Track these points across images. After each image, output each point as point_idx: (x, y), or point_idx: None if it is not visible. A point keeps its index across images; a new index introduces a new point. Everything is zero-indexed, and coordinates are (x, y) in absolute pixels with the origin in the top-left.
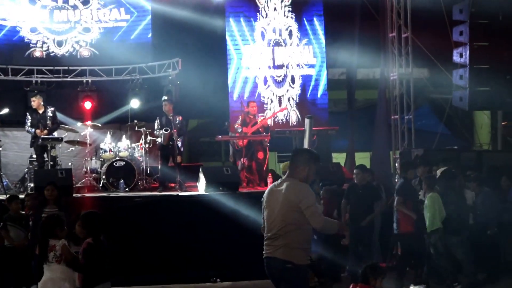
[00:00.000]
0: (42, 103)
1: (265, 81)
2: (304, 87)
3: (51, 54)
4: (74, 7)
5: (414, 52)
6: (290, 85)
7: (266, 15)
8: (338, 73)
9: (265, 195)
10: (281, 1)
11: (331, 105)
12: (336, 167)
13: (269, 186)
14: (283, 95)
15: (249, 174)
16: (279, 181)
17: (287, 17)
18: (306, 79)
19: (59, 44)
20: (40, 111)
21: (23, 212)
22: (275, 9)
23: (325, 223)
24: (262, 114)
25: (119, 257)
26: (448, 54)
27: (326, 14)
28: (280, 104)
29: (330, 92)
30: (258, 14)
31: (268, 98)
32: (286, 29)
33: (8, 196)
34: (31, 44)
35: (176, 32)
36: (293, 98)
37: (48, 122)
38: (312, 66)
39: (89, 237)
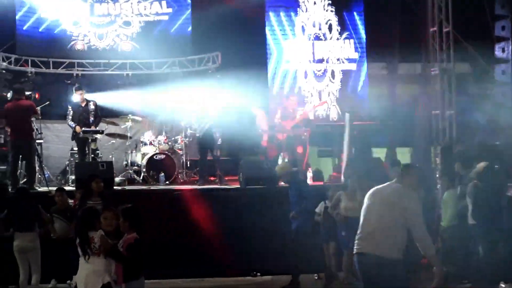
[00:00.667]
0: (84, 97)
1: (306, 75)
2: (344, 82)
3: (92, 47)
4: (115, 0)
5: (456, 47)
6: (330, 80)
7: (306, 9)
8: (378, 67)
9: (368, 194)
10: None
11: (371, 99)
12: (376, 162)
13: (374, 187)
14: (323, 90)
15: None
16: (385, 184)
17: (326, 10)
18: (346, 73)
19: (100, 37)
20: (83, 105)
21: (71, 204)
22: (315, 3)
23: (424, 237)
24: (301, 108)
25: (157, 249)
26: (490, 49)
27: (367, 8)
28: (320, 99)
29: (371, 87)
30: (298, 8)
31: (309, 91)
32: (326, 23)
33: (56, 188)
34: (73, 37)
35: (216, 25)
36: (333, 93)
37: (90, 115)
38: (353, 60)
39: (131, 231)
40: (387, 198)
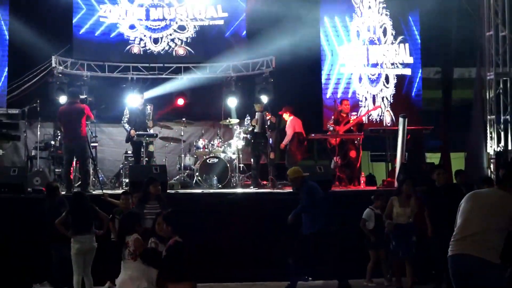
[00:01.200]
0: (142, 100)
1: (360, 79)
2: (398, 86)
3: (148, 51)
4: (169, 5)
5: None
6: (384, 85)
7: (361, 14)
8: (433, 72)
9: (467, 197)
10: None
11: (425, 104)
12: (429, 167)
13: (473, 191)
14: (377, 94)
15: (342, 173)
16: (487, 190)
17: (381, 14)
18: (400, 78)
19: (155, 41)
20: (140, 108)
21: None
22: (369, 7)
23: None
24: (355, 113)
25: (209, 252)
26: None
27: (422, 11)
28: (374, 103)
29: (425, 91)
30: (353, 14)
31: (363, 96)
32: (381, 27)
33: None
34: (130, 41)
35: (270, 29)
36: (387, 98)
37: (146, 118)
38: (407, 65)
39: (174, 235)
40: (490, 202)
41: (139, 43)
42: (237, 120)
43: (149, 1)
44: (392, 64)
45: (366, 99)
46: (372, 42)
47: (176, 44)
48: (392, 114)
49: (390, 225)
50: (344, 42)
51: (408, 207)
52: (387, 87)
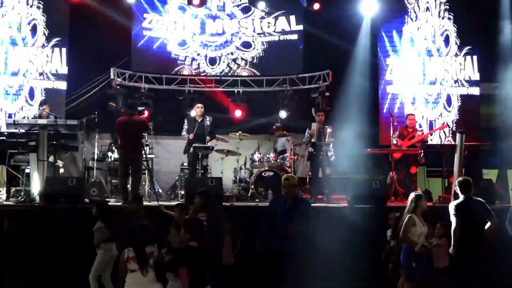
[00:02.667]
0: (201, 112)
1: (414, 101)
2: (463, 110)
3: (202, 74)
4: (232, 16)
5: None
6: (445, 108)
7: (416, 17)
8: (491, 87)
9: None
10: None
11: (483, 120)
12: (487, 183)
13: None
14: (435, 120)
15: (399, 188)
16: None
17: (443, 18)
18: (467, 99)
19: (212, 62)
20: (199, 120)
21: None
22: (427, 8)
23: None
24: (421, 128)
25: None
26: None
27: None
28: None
29: (483, 107)
30: (406, 16)
31: (416, 121)
32: (442, 34)
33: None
34: (178, 61)
35: (326, 43)
36: (448, 126)
37: (205, 131)
38: (474, 83)
39: (193, 243)
40: None
41: (191, 64)
42: (293, 133)
43: (205, 11)
44: (456, 81)
45: (420, 126)
46: (430, 53)
47: (238, 66)
48: (452, 141)
49: (423, 248)
50: (397, 54)
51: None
52: (449, 111)
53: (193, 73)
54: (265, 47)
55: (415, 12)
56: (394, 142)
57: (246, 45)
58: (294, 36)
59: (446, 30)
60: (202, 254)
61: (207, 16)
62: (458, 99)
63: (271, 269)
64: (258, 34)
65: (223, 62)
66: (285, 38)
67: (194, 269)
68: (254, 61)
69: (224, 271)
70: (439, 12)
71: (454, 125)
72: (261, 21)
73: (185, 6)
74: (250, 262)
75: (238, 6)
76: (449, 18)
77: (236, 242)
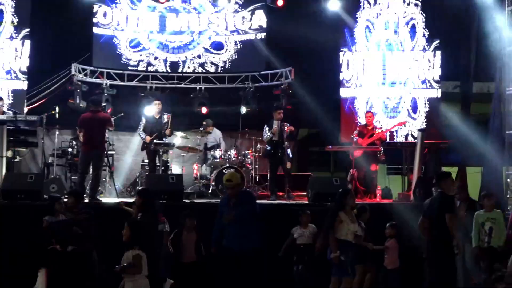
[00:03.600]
0: (158, 109)
1: (371, 107)
2: (431, 116)
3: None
4: (198, 10)
5: None
6: (409, 115)
7: (375, 1)
8: (451, 86)
9: None
10: None
11: (443, 118)
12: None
13: None
14: (396, 130)
15: (359, 185)
16: None
17: (408, 3)
18: (435, 103)
19: (174, 67)
20: (157, 117)
21: None
22: None
23: None
24: (380, 126)
25: None
26: None
27: (441, 25)
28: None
29: (443, 105)
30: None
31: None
32: (407, 23)
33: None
34: (129, 67)
35: (289, 41)
36: (413, 136)
37: (162, 127)
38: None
39: (135, 245)
40: None
41: (146, 70)
42: (254, 131)
43: (166, 4)
44: (424, 82)
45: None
46: (391, 47)
47: (207, 72)
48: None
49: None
50: (352, 48)
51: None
52: (414, 118)
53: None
54: (239, 47)
55: None
56: (355, 140)
57: (218, 46)
58: (263, 34)
59: (412, 18)
60: (66, 258)
61: (168, 9)
62: (426, 104)
63: (227, 267)
64: (231, 32)
65: (188, 67)
66: (261, 37)
67: (53, 272)
68: (227, 66)
69: (186, 268)
70: None
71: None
72: (234, 16)
73: None
74: (212, 259)
75: None
76: (416, 5)
77: (200, 240)
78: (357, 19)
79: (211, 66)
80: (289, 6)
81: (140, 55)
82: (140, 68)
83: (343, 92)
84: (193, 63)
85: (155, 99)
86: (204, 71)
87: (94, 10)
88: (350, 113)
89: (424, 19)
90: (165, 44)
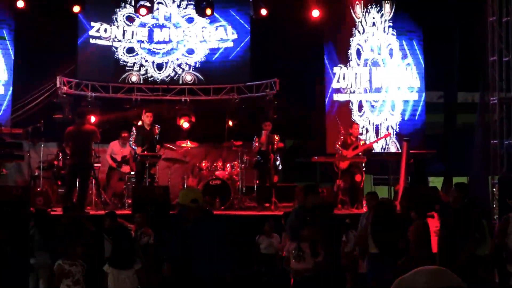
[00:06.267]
0: (150, 120)
1: (360, 108)
2: (405, 113)
3: (150, 79)
4: (177, 25)
5: None
6: (389, 112)
7: (364, 30)
8: (436, 96)
9: None
10: (381, 16)
11: (428, 128)
12: (432, 191)
13: None
14: (381, 123)
15: (345, 196)
16: None
17: (387, 33)
18: (407, 103)
19: (159, 67)
20: (148, 128)
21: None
22: (373, 23)
23: None
24: (364, 137)
25: None
26: None
27: (425, 35)
28: (377, 134)
29: (428, 115)
30: (354, 29)
31: (363, 127)
32: (387, 47)
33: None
34: (126, 67)
35: (274, 52)
36: (392, 127)
37: (153, 139)
38: (414, 89)
39: None
40: None
41: (139, 70)
42: (240, 142)
43: (153, 21)
44: (399, 88)
45: (367, 130)
46: (376, 63)
47: (183, 70)
48: (398, 145)
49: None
50: (343, 63)
51: None
52: (393, 115)
53: (141, 79)
54: (208, 53)
55: (362, 26)
56: (339, 152)
57: (190, 51)
58: (231, 44)
59: (390, 44)
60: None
61: (154, 25)
62: (401, 104)
63: None
64: (201, 41)
65: (169, 67)
66: (224, 46)
67: None
68: (197, 66)
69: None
70: (384, 28)
71: (398, 126)
72: (202, 31)
73: (133, 15)
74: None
75: (183, 17)
76: (392, 34)
77: None
78: (350, 43)
79: (186, 66)
80: (273, 16)
81: (135, 59)
82: (135, 69)
83: (340, 97)
84: (173, 63)
85: (147, 110)
86: (181, 69)
87: (96, 28)
88: (335, 122)
89: (399, 45)
90: (153, 50)
